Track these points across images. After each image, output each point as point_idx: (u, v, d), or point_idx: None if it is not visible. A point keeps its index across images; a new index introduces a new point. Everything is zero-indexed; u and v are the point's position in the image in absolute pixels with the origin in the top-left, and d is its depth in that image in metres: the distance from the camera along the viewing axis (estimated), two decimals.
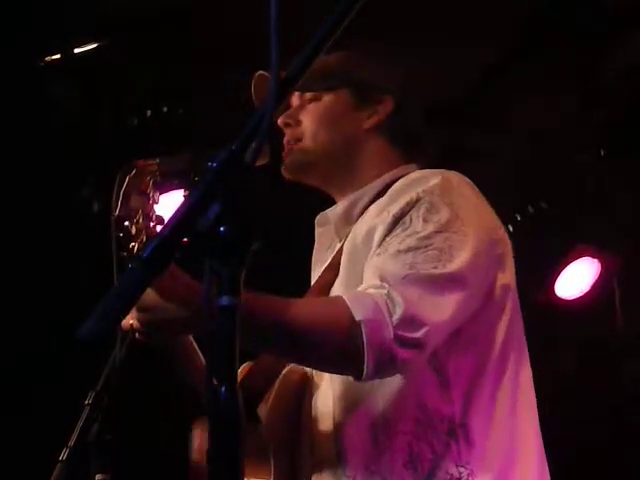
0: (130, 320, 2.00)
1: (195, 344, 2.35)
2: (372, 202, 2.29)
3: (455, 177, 2.23)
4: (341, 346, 1.97)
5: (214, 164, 1.38)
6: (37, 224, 4.65)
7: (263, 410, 2.19)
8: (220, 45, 4.28)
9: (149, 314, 1.96)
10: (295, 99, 2.42)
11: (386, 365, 1.97)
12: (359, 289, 2.06)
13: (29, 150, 4.44)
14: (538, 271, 5.14)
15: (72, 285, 4.52)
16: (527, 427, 2.20)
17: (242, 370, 2.27)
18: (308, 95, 2.40)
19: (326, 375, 2.18)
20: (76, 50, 4.21)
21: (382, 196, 2.26)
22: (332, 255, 2.34)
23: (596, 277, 5.23)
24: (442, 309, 2.02)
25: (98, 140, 4.47)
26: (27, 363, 4.66)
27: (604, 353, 5.49)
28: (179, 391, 2.38)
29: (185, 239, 1.35)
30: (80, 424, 2.38)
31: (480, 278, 2.12)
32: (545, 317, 5.26)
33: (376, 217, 2.19)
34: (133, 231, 2.12)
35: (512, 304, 2.22)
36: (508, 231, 2.31)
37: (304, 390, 2.23)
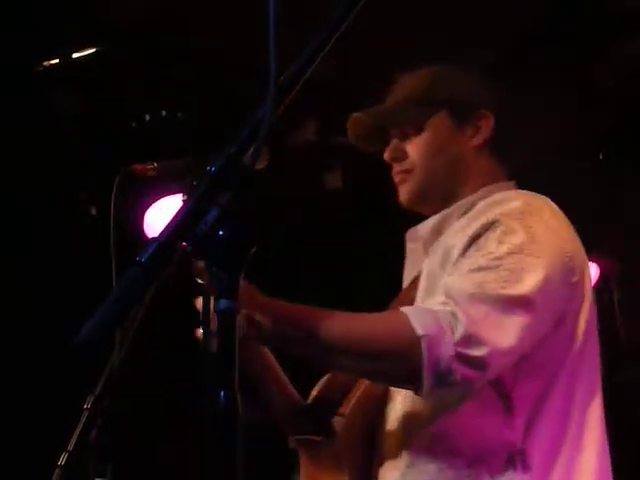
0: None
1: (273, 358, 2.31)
2: (459, 219, 2.27)
3: (538, 200, 2.19)
4: (400, 359, 1.97)
5: (213, 168, 1.38)
6: (35, 228, 4.64)
7: (339, 423, 2.19)
8: (219, 49, 4.29)
9: None
10: (395, 131, 2.37)
11: (445, 381, 1.95)
12: (423, 305, 2.07)
13: (27, 154, 4.43)
14: None
15: (70, 289, 4.51)
16: (591, 461, 2.17)
17: (321, 382, 2.28)
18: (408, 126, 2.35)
19: (402, 391, 2.16)
20: (75, 55, 4.22)
21: (468, 213, 2.25)
22: (417, 271, 2.31)
23: (594, 281, 5.23)
24: (506, 331, 1.99)
25: (97, 144, 4.46)
26: (26, 367, 4.65)
27: (603, 357, 5.48)
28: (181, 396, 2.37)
29: (184, 243, 1.35)
30: (79, 428, 2.37)
31: (550, 304, 2.08)
32: None
33: (454, 237, 2.18)
34: None
35: (586, 334, 2.19)
36: None
37: (383, 406, 2.22)
